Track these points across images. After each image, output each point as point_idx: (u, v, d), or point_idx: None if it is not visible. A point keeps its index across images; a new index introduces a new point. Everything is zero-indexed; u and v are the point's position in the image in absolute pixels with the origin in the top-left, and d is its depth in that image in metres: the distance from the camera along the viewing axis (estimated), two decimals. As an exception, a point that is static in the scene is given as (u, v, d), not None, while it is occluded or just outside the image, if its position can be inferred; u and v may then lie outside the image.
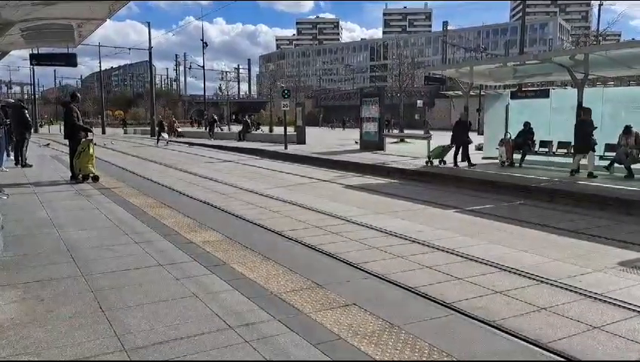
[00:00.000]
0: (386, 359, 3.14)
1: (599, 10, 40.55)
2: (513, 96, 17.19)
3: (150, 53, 44.27)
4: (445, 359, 3.16)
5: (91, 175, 11.22)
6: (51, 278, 4.59)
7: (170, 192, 10.69)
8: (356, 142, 25.61)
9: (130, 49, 49.86)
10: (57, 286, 4.38)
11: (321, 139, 33.38)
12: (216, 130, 38.89)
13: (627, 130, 12.42)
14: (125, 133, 53.60)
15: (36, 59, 16.02)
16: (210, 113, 50.88)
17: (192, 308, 3.91)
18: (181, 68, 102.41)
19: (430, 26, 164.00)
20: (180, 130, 38.87)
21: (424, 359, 3.15)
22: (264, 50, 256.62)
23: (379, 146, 22.06)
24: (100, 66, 55.42)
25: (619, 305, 4.40)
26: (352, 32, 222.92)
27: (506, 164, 15.16)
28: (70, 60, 15.41)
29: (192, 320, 3.67)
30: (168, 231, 6.51)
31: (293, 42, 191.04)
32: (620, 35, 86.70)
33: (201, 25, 57.95)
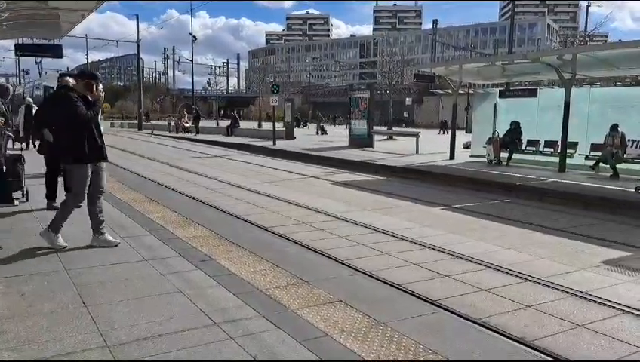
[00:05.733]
0: (372, 356, 3.13)
1: (587, 11, 40.92)
2: (501, 95, 17.31)
3: (138, 46, 43.83)
4: (431, 356, 3.15)
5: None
6: (33, 273, 4.51)
7: (156, 187, 10.60)
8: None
9: (117, 41, 49.26)
10: (40, 281, 4.31)
11: (310, 135, 33.35)
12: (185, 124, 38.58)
13: (614, 128, 12.56)
14: (112, 126, 53.09)
15: (21, 50, 15.72)
16: (183, 107, 50.76)
17: (177, 304, 3.86)
18: (169, 62, 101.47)
19: (420, 23, 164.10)
20: (187, 125, 38.11)
21: (410, 356, 3.14)
22: (248, 45, 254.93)
23: (368, 143, 22.06)
24: (87, 58, 54.82)
25: (603, 304, 4.44)
26: (337, 28, 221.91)
27: (494, 162, 15.26)
28: (56, 51, 15.16)
29: (176, 316, 3.63)
30: (154, 226, 6.44)
31: (283, 37, 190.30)
32: (607, 37, 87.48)
33: (190, 19, 57.53)
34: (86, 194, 5.35)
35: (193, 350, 3.13)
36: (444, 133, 41.97)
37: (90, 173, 5.31)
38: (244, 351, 3.13)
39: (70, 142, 5.30)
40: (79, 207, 5.41)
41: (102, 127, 5.65)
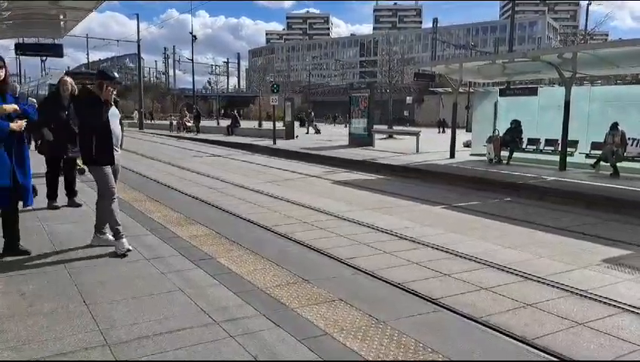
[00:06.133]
0: (372, 354, 3.13)
1: (587, 9, 40.82)
2: (502, 93, 17.30)
3: (139, 46, 43.82)
4: (431, 355, 3.15)
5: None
6: (33, 272, 4.51)
7: (157, 186, 10.59)
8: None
9: (118, 41, 49.30)
10: (40, 280, 4.31)
11: (310, 134, 33.35)
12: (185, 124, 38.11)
13: (614, 127, 12.57)
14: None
15: (21, 50, 15.73)
16: (183, 106, 50.76)
17: (178, 303, 3.87)
18: (170, 61, 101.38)
19: (420, 22, 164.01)
20: (189, 124, 37.74)
21: (410, 355, 3.14)
22: (248, 44, 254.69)
23: (368, 142, 22.05)
24: (88, 58, 54.82)
25: (604, 302, 4.44)
26: (337, 27, 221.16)
27: (494, 161, 15.25)
28: (56, 51, 15.18)
29: (177, 315, 3.63)
30: (155, 226, 6.44)
31: (283, 37, 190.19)
32: (607, 35, 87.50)
33: (190, 19, 57.60)
34: (113, 189, 5.24)
35: (193, 349, 3.13)
36: (442, 131, 41.93)
37: (109, 170, 5.19)
38: (245, 349, 3.13)
39: (81, 143, 5.22)
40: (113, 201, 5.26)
41: (114, 127, 5.28)
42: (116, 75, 5.29)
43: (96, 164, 5.17)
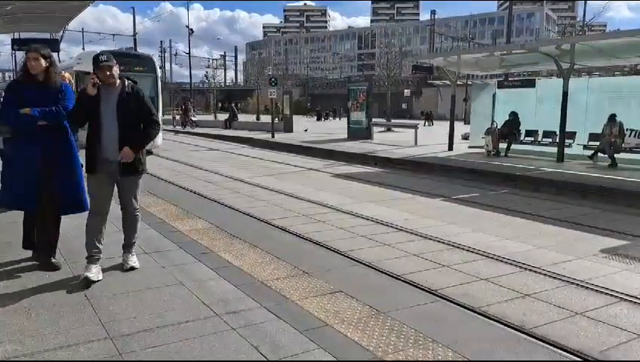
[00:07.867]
0: (372, 345, 3.16)
1: (585, 1, 40.65)
2: (500, 85, 17.30)
3: (135, 40, 43.73)
4: (430, 345, 3.18)
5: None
6: (35, 268, 4.52)
7: (156, 180, 10.59)
8: None
9: (114, 35, 49.12)
10: (42, 275, 4.32)
11: (308, 127, 33.23)
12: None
13: (611, 118, 12.59)
14: None
15: (18, 44, 15.69)
16: (181, 100, 50.43)
17: (178, 297, 3.89)
18: (166, 55, 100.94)
19: (418, 14, 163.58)
20: (195, 118, 37.01)
21: (410, 345, 3.17)
22: (243, 38, 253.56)
23: (366, 135, 22.03)
24: (84, 53, 54.48)
25: (601, 292, 4.47)
26: (333, 20, 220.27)
27: (492, 153, 15.27)
28: (53, 45, 15.09)
29: (178, 309, 3.65)
30: (154, 220, 6.46)
31: (281, 30, 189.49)
32: (605, 26, 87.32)
33: (187, 13, 57.34)
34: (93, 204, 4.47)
35: (195, 341, 3.15)
36: (429, 124, 41.51)
37: (93, 181, 4.33)
38: (246, 341, 3.16)
39: None
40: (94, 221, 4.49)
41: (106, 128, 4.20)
42: (102, 56, 4.10)
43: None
